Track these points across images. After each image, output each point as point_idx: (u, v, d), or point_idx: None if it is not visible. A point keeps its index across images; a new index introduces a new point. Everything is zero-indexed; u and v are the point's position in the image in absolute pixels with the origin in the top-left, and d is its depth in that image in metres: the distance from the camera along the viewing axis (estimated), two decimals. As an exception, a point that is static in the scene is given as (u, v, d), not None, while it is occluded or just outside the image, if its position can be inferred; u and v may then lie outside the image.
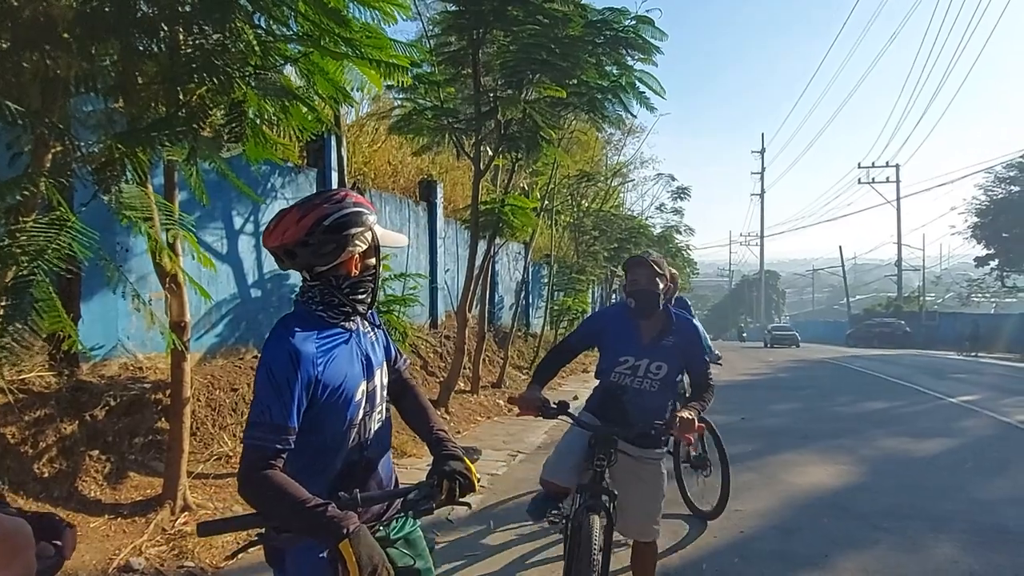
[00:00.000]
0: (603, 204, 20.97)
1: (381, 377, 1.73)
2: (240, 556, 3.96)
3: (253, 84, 2.80)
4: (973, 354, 25.29)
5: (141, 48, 2.79)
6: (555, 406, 2.74)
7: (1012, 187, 27.06)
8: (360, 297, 1.65)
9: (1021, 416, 9.46)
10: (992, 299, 38.99)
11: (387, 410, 1.77)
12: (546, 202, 13.69)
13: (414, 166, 11.15)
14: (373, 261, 1.67)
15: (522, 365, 13.59)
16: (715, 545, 4.31)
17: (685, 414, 2.70)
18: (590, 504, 2.66)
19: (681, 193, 26.12)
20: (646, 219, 26.33)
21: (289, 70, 3.50)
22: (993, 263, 29.60)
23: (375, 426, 1.70)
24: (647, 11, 7.07)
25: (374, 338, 1.75)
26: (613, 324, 3.01)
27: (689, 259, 32.76)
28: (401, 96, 7.80)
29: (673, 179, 26.27)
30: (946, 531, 4.56)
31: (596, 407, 3.04)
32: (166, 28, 2.71)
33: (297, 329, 1.56)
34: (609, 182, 21.87)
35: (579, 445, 2.91)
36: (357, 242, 1.59)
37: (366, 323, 1.74)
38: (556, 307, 16.10)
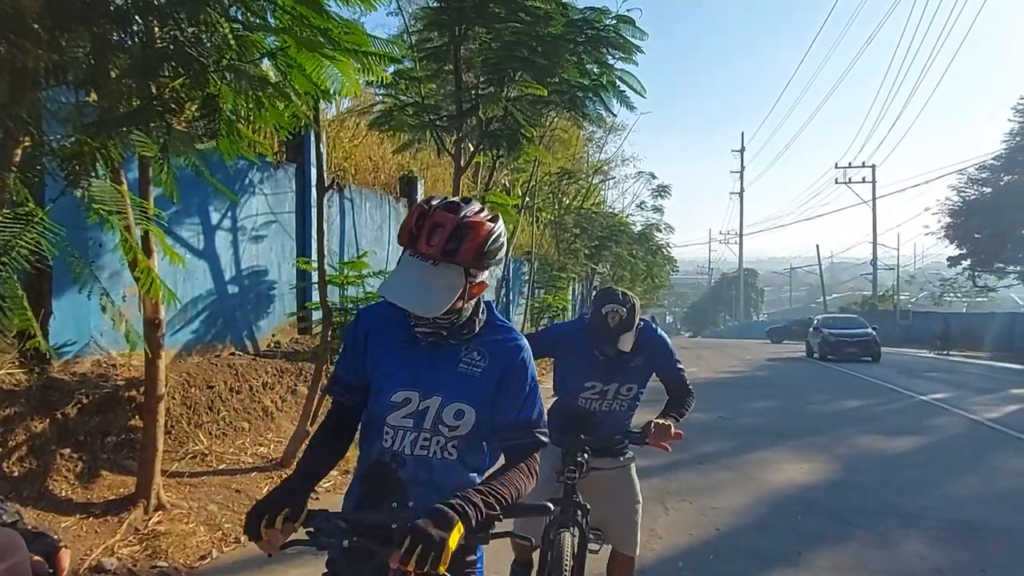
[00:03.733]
0: (584, 201, 21.04)
1: (441, 409, 1.55)
2: (215, 556, 3.96)
3: (228, 77, 2.75)
4: (945, 352, 25.76)
5: (113, 40, 2.74)
6: None
7: (984, 189, 27.53)
8: (417, 330, 1.57)
9: (989, 414, 9.68)
10: (964, 298, 39.79)
11: (448, 451, 1.58)
12: (527, 199, 13.71)
13: (395, 162, 11.08)
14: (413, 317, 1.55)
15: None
16: (691, 543, 4.36)
17: (661, 420, 2.67)
18: (561, 519, 2.61)
19: (661, 191, 26.33)
20: (627, 217, 26.50)
21: (267, 65, 3.47)
22: (965, 263, 30.09)
23: (416, 449, 1.56)
24: (628, 11, 7.09)
25: (470, 370, 1.57)
26: (574, 346, 2.80)
27: (669, 256, 32.97)
28: (382, 92, 7.74)
29: (654, 177, 26.49)
30: (915, 527, 4.65)
31: (560, 426, 2.75)
32: (139, 19, 2.66)
33: (383, 304, 1.65)
34: (590, 179, 21.94)
35: (550, 489, 2.62)
36: None
37: (474, 352, 1.58)
38: (536, 304, 16.15)
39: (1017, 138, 24.27)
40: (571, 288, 20.55)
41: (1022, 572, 3.97)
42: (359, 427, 1.69)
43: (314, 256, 6.77)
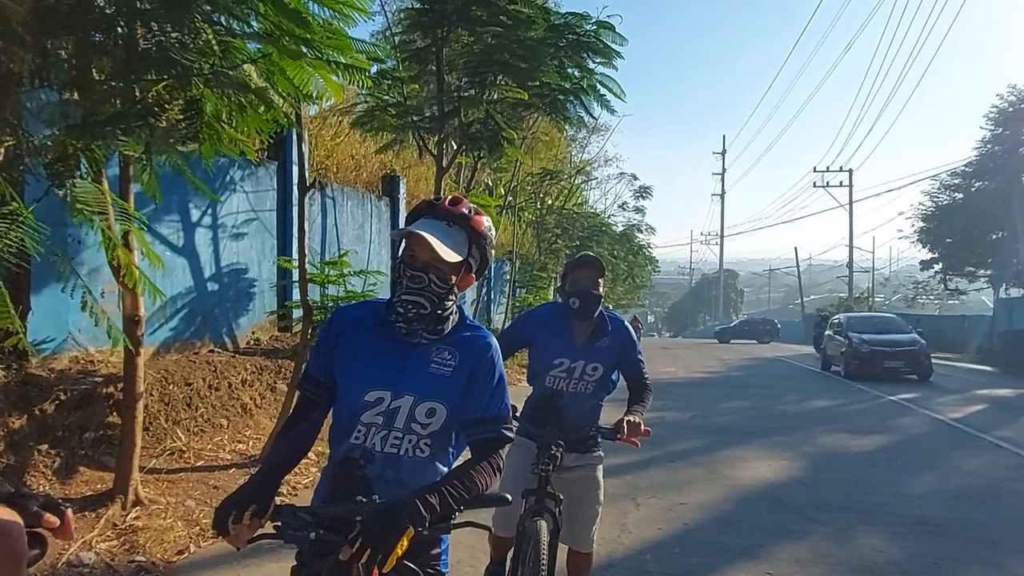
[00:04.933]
0: (567, 202, 21.19)
1: (414, 408, 1.63)
2: (192, 551, 4.02)
3: (211, 82, 2.82)
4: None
5: (97, 43, 2.79)
6: None
7: (956, 194, 28.08)
8: (405, 297, 1.63)
9: (953, 414, 9.97)
10: (936, 301, 40.53)
11: (421, 448, 1.66)
12: (509, 199, 13.80)
13: (377, 160, 11.12)
14: (412, 272, 1.62)
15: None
16: (659, 536, 4.50)
17: (632, 418, 2.72)
18: (536, 508, 2.68)
19: (643, 192, 26.57)
20: (608, 217, 26.73)
21: (249, 68, 3.53)
22: (937, 267, 30.70)
23: (386, 448, 1.63)
24: (608, 17, 7.22)
25: (441, 369, 1.66)
26: (547, 324, 2.93)
27: (650, 257, 33.28)
28: (364, 92, 7.80)
29: (635, 178, 26.74)
30: (874, 522, 4.83)
31: (533, 417, 2.87)
32: (123, 24, 2.72)
33: (358, 305, 1.80)
34: (572, 180, 22.10)
35: (524, 480, 2.76)
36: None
37: (444, 352, 1.67)
38: (517, 303, 16.26)
39: (988, 146, 24.78)
40: (552, 288, 20.69)
41: (973, 565, 4.14)
42: (329, 424, 1.77)
43: (295, 254, 6.82)
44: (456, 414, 1.68)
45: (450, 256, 1.59)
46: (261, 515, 1.49)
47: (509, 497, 1.67)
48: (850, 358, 15.27)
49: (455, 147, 8.47)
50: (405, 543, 1.40)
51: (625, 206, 27.62)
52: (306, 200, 6.28)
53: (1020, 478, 6.39)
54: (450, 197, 1.70)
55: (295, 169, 7.71)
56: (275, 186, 7.86)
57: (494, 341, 1.75)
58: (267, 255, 7.75)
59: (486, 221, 1.71)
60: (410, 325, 1.66)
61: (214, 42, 2.68)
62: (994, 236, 26.81)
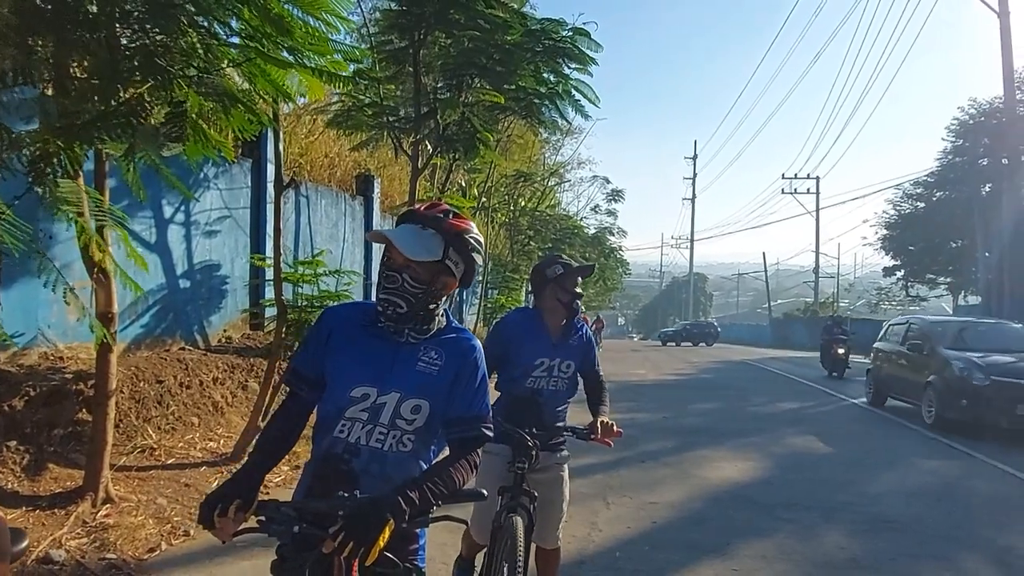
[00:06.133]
0: (540, 203, 21.33)
1: (400, 404, 1.70)
2: (164, 549, 4.00)
3: (195, 86, 2.83)
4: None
5: (80, 43, 2.79)
6: None
7: (918, 203, 28.96)
8: (382, 296, 1.69)
9: (912, 417, 10.28)
10: (898, 307, 41.60)
11: (404, 443, 1.72)
12: (483, 200, 13.86)
13: (352, 160, 11.09)
14: (388, 273, 1.69)
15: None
16: (629, 534, 4.60)
17: (604, 419, 2.84)
18: (511, 505, 2.75)
19: (615, 195, 26.82)
20: (581, 220, 26.93)
21: (232, 70, 3.53)
22: (899, 273, 31.62)
23: (371, 442, 1.69)
24: (584, 24, 7.31)
25: (428, 368, 1.72)
26: (525, 330, 2.99)
27: (622, 259, 33.64)
28: (341, 91, 7.79)
29: (608, 181, 26.97)
30: (837, 520, 5.01)
31: (510, 417, 2.87)
32: (106, 25, 2.72)
33: (349, 305, 1.89)
34: (546, 182, 22.24)
35: (501, 478, 2.83)
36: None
37: (431, 352, 1.73)
38: (489, 304, 16.32)
39: (950, 157, 25.59)
40: (524, 289, 20.80)
41: (927, 559, 4.32)
42: (314, 421, 1.82)
43: (269, 252, 6.80)
44: (440, 412, 1.74)
45: (415, 255, 1.65)
46: (245, 509, 1.53)
47: (485, 492, 1.74)
48: (950, 394, 8.92)
49: (431, 148, 8.50)
50: (387, 536, 1.46)
51: (598, 209, 27.89)
52: (281, 199, 6.26)
53: (972, 477, 6.69)
54: (430, 203, 1.77)
55: (270, 167, 7.67)
56: (249, 184, 7.82)
57: (478, 343, 1.82)
58: (240, 253, 7.70)
59: (464, 224, 1.74)
60: (396, 324, 1.72)
61: (198, 45, 2.69)
62: (954, 244, 27.72)
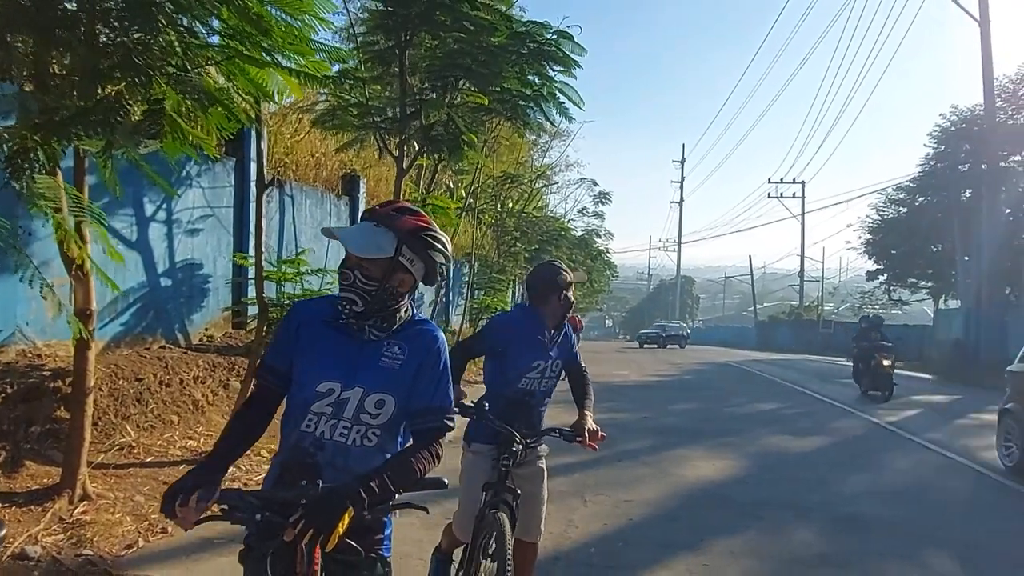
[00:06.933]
0: (527, 205, 21.39)
1: (364, 399, 1.73)
2: (141, 546, 4.02)
3: (173, 84, 2.86)
4: (861, 361, 27.18)
5: (60, 40, 2.81)
6: (471, 405, 2.84)
7: (900, 208, 29.31)
8: (340, 294, 1.73)
9: (889, 418, 10.45)
10: (881, 311, 42.06)
11: (369, 438, 1.75)
12: (471, 200, 13.90)
13: (338, 160, 11.10)
14: (342, 271, 1.73)
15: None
16: (604, 531, 4.67)
17: (591, 424, 2.90)
18: (494, 502, 2.79)
19: (602, 198, 26.91)
20: (568, 222, 27.02)
21: (212, 68, 3.56)
22: (882, 277, 32.01)
23: (334, 436, 1.72)
24: (568, 27, 7.39)
25: (391, 363, 1.75)
26: (527, 332, 3.01)
27: (609, 262, 33.80)
28: (326, 91, 7.82)
29: (595, 184, 27.06)
30: (807, 519, 5.10)
31: (500, 416, 2.87)
32: (85, 23, 2.74)
33: (317, 300, 1.91)
34: (533, 184, 22.31)
35: (487, 474, 2.88)
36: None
37: (395, 347, 1.77)
38: (475, 305, 16.36)
39: (932, 163, 25.92)
40: (510, 290, 20.88)
41: (893, 557, 4.41)
42: (282, 414, 1.85)
43: (251, 251, 6.81)
44: (404, 405, 1.78)
45: (363, 251, 1.70)
46: (208, 498, 1.56)
47: (446, 480, 1.78)
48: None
49: (416, 149, 8.54)
50: (346, 522, 1.51)
51: (585, 211, 27.98)
52: (264, 198, 6.28)
53: (945, 477, 6.82)
54: (387, 201, 1.83)
55: (253, 166, 7.68)
56: (232, 183, 7.82)
57: (441, 335, 1.86)
58: (223, 252, 7.70)
59: (420, 221, 1.76)
60: (356, 321, 1.76)
61: (176, 43, 2.72)
62: (935, 249, 28.08)
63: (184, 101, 2.97)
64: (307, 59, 3.35)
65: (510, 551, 2.66)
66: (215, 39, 3.29)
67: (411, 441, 1.84)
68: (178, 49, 2.75)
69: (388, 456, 1.80)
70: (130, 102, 2.83)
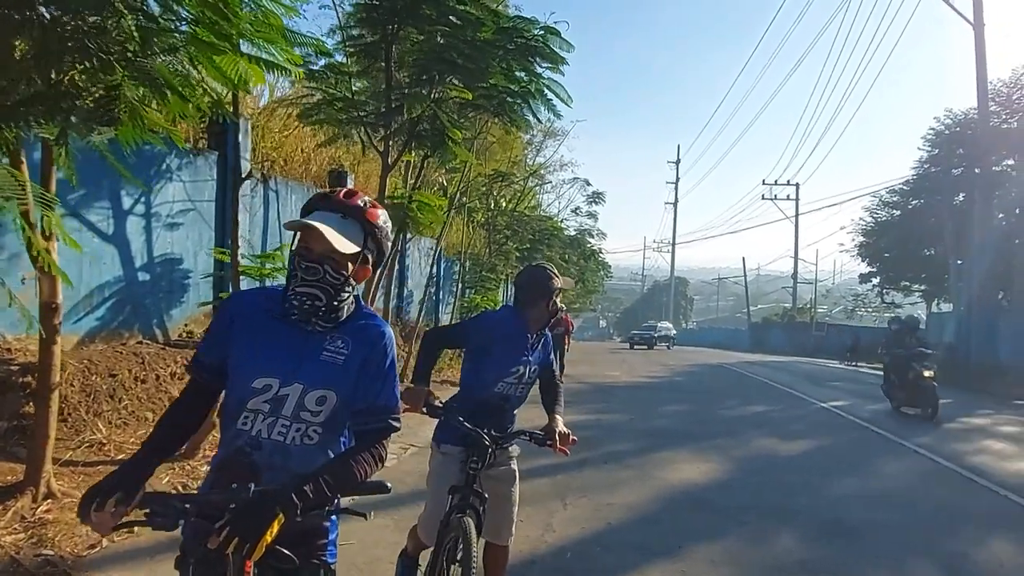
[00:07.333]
0: (519, 204, 21.29)
1: (304, 396, 1.64)
2: (104, 546, 3.91)
3: (129, 71, 2.76)
4: (853, 364, 27.29)
5: (12, 22, 2.70)
6: (440, 406, 2.77)
7: (894, 211, 29.34)
8: (300, 290, 1.63)
9: (879, 421, 10.39)
10: (873, 313, 42.15)
11: (309, 436, 1.67)
12: (463, 199, 13.79)
13: (327, 155, 10.99)
14: (307, 264, 1.62)
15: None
16: (582, 535, 4.58)
17: (562, 428, 2.83)
18: (460, 506, 2.71)
19: (596, 197, 26.81)
20: (561, 221, 26.92)
21: (182, 55, 3.46)
22: (875, 280, 32.07)
23: (272, 435, 1.64)
24: (555, 23, 7.30)
25: (334, 358, 1.67)
26: (511, 335, 2.93)
27: (603, 262, 33.69)
28: (311, 85, 7.71)
29: (588, 183, 26.97)
30: (791, 524, 5.02)
31: (471, 418, 2.79)
32: (41, 7, 2.64)
33: (254, 291, 1.84)
34: (525, 183, 22.21)
35: (455, 477, 2.80)
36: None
37: (338, 340, 1.68)
38: (466, 303, 16.26)
39: (925, 166, 25.93)
40: (501, 289, 20.77)
41: (878, 566, 4.33)
42: (216, 410, 1.77)
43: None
44: (347, 402, 1.69)
45: (345, 247, 1.61)
46: (128, 503, 1.46)
47: (389, 484, 1.68)
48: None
49: (402, 145, 8.43)
50: (275, 529, 1.41)
51: (578, 211, 27.88)
52: (248, 192, 6.17)
53: (934, 483, 6.73)
54: (345, 190, 1.72)
55: (239, 160, 7.56)
56: (214, 177, 7.68)
57: (389, 331, 1.76)
58: (204, 247, 7.57)
59: (382, 214, 1.73)
60: (307, 318, 1.66)
61: (133, 28, 2.61)
62: (928, 252, 28.13)
63: (137, 88, 2.86)
64: (276, 47, 3.25)
65: (475, 556, 2.58)
66: (181, 26, 3.18)
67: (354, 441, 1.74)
68: (135, 34, 2.64)
69: (331, 454, 1.71)
70: (86, 87, 2.73)
